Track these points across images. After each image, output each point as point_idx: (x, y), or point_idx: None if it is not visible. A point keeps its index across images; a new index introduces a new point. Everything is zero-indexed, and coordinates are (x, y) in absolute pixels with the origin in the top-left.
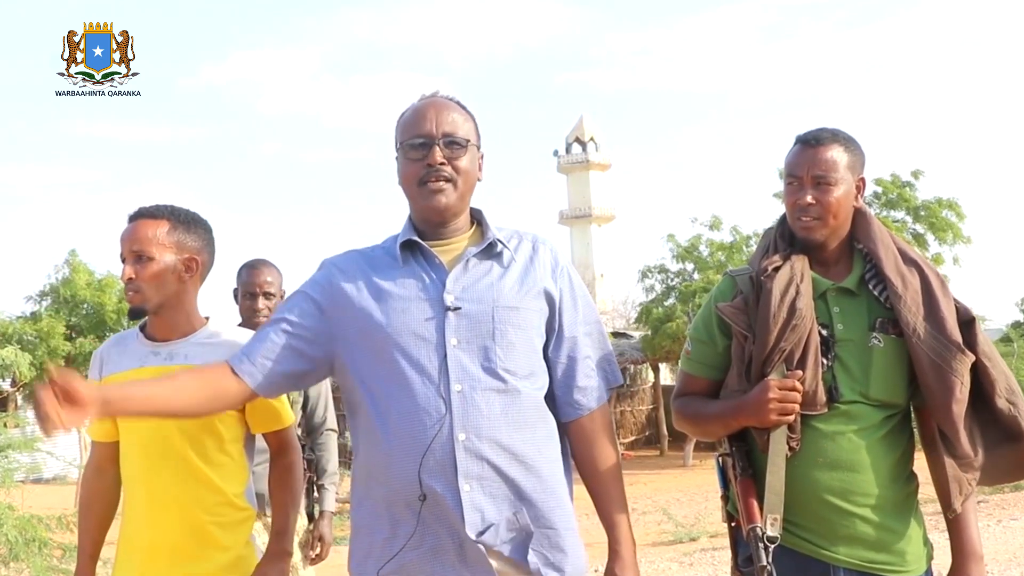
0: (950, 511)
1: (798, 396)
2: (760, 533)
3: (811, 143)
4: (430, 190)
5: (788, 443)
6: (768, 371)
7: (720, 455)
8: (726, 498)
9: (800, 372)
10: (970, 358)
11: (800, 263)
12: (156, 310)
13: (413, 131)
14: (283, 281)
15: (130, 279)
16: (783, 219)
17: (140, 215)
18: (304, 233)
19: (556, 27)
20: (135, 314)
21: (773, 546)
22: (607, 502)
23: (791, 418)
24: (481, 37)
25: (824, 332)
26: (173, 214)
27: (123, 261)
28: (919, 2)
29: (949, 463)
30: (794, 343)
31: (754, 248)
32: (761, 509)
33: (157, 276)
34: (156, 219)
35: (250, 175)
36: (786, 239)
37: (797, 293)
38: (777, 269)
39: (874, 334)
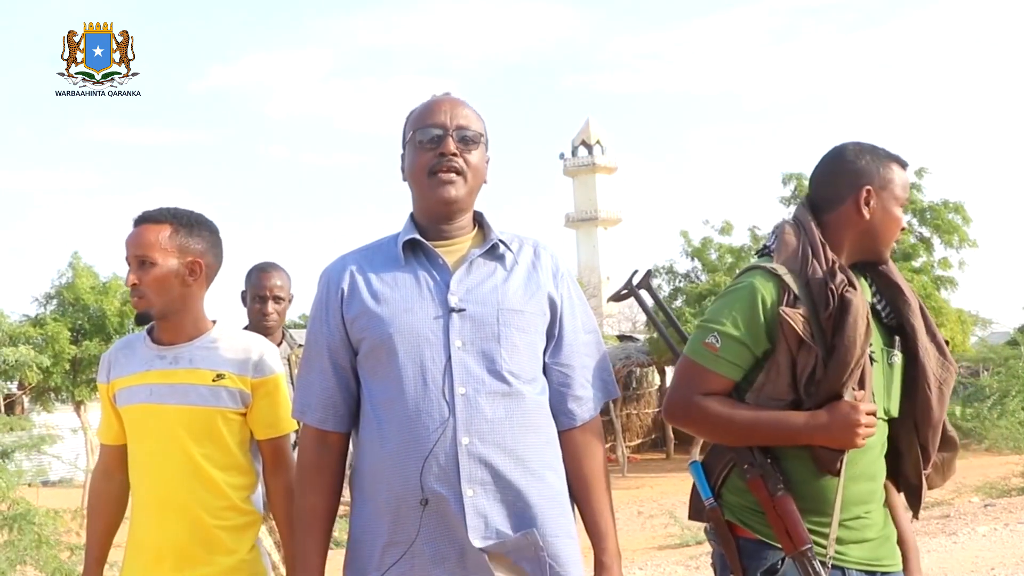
0: (916, 515)
1: (875, 420)
2: (814, 554)
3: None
4: (440, 180)
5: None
6: (843, 392)
7: (728, 465)
8: (715, 508)
9: (863, 392)
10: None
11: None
12: (162, 314)
13: (426, 122)
14: (292, 284)
15: (134, 285)
16: (813, 225)
17: (143, 220)
18: (312, 236)
19: (562, 31)
20: (141, 319)
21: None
22: (596, 513)
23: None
24: (488, 41)
25: None
26: (175, 217)
27: (128, 266)
28: (926, 5)
29: (924, 472)
30: (864, 364)
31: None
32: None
33: (160, 280)
34: (158, 223)
35: (258, 178)
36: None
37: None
38: (852, 284)
39: (893, 351)
